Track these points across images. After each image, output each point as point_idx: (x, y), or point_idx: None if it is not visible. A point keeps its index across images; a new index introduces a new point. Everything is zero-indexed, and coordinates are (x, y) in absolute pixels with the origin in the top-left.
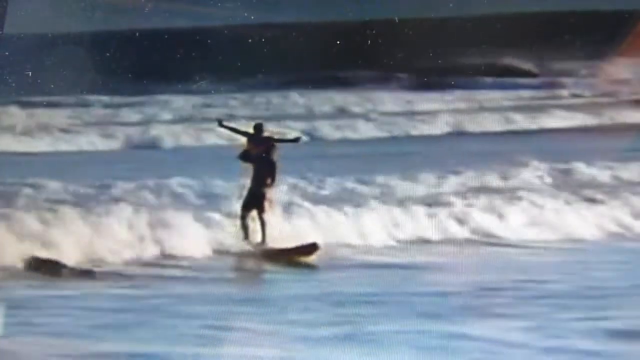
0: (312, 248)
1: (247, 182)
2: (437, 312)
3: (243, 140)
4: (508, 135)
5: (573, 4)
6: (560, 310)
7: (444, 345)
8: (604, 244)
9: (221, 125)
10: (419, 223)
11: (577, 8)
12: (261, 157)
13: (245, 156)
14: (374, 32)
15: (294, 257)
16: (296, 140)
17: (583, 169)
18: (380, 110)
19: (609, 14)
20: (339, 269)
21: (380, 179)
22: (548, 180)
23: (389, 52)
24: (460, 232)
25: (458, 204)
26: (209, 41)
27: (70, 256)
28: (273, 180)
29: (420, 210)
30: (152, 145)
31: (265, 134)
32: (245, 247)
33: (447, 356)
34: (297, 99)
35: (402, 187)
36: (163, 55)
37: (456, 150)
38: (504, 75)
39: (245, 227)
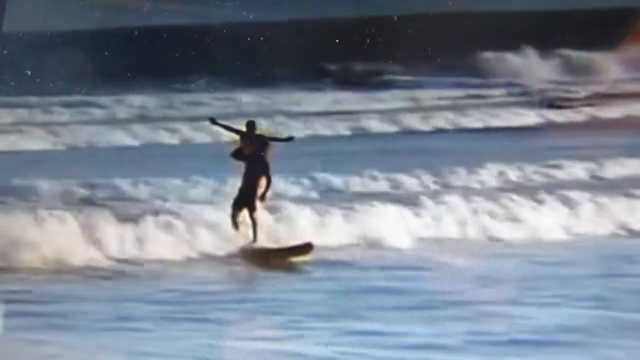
0: (307, 248)
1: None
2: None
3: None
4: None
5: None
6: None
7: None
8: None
9: (214, 123)
10: (389, 222)
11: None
12: (257, 156)
13: (237, 154)
14: (372, 30)
15: (289, 257)
16: (289, 139)
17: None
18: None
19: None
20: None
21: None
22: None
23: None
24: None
25: (428, 203)
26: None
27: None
28: (269, 179)
29: (388, 209)
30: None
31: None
32: (237, 246)
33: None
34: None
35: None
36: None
37: (406, 148)
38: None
39: (236, 226)
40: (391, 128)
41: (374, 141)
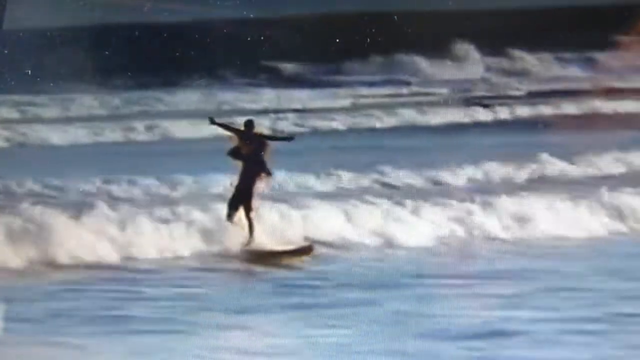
0: (307, 250)
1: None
2: None
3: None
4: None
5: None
6: None
7: None
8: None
9: (213, 122)
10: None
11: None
12: (255, 155)
13: (235, 153)
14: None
15: (289, 258)
16: (289, 138)
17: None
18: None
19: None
20: None
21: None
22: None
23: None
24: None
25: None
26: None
27: None
28: (269, 173)
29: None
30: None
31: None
32: (233, 247)
33: None
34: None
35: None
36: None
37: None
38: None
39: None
40: (340, 125)
41: (325, 139)
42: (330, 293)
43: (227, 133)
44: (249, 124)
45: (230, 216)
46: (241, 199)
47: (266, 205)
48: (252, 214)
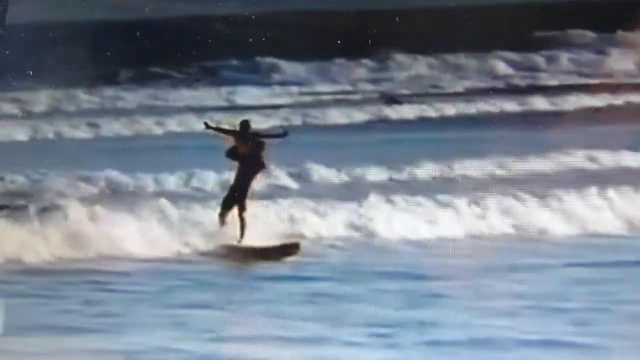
0: (293, 248)
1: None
2: None
3: None
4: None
5: None
6: None
7: None
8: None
9: (208, 127)
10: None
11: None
12: (252, 155)
13: (232, 153)
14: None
15: (275, 256)
16: (283, 135)
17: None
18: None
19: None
20: None
21: None
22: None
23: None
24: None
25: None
26: None
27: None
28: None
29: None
30: None
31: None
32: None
33: None
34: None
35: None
36: None
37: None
38: None
39: (223, 224)
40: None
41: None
42: (314, 288)
43: (222, 135)
44: (245, 125)
45: (222, 215)
46: (236, 198)
47: (253, 204)
48: (245, 214)
